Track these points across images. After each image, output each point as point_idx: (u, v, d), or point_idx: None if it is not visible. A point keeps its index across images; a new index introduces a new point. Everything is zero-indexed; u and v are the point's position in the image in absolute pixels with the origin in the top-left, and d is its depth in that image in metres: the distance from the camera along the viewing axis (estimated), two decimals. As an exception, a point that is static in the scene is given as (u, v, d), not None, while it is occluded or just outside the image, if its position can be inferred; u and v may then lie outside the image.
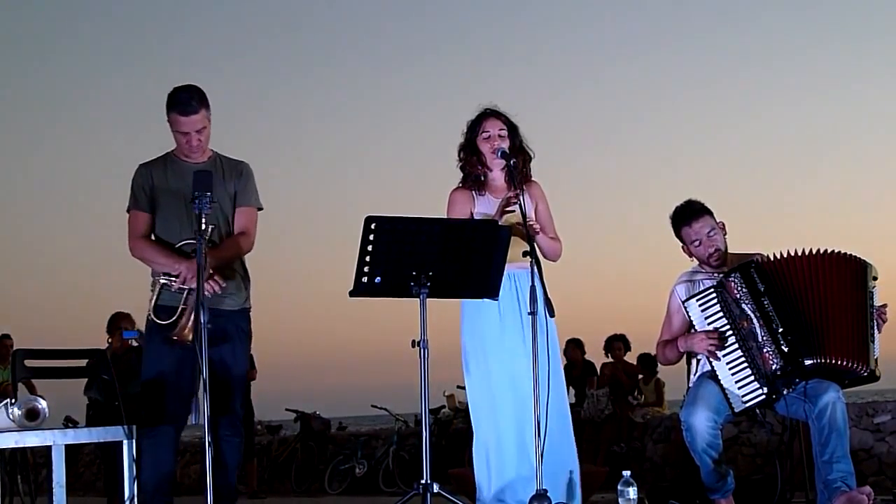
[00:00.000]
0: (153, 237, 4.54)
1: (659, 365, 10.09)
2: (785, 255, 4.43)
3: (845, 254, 4.43)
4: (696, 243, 4.63)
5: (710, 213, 4.67)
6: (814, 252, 4.40)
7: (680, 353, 4.67)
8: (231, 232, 4.54)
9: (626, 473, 4.22)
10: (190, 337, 4.21)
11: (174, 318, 4.33)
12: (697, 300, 4.49)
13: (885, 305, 4.47)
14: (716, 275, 4.58)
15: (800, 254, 4.41)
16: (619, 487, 4.20)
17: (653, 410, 9.96)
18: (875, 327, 4.40)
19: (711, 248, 4.61)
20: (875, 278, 4.46)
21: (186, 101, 4.37)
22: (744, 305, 4.37)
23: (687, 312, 4.53)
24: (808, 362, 4.29)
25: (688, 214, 4.66)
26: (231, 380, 4.46)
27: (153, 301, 4.43)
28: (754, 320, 4.35)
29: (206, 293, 4.26)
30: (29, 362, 5.31)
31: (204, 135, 4.45)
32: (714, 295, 4.44)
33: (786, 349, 4.30)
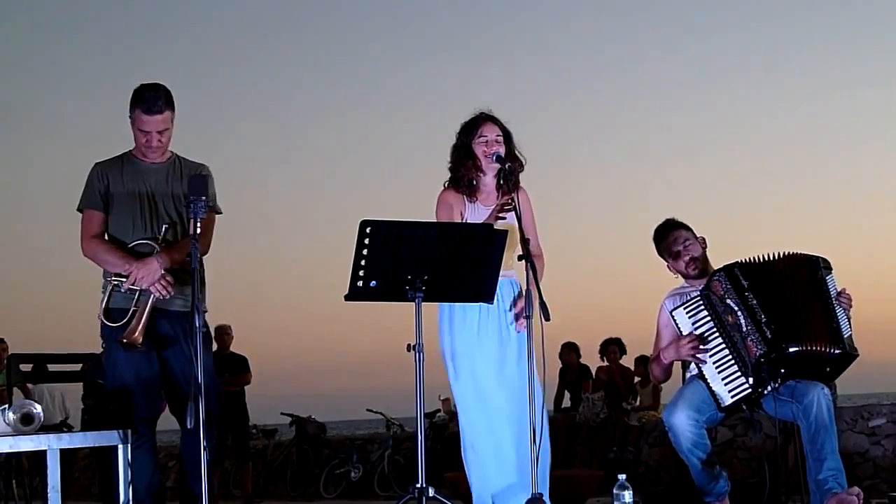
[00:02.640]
0: (106, 237, 4.46)
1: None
2: (760, 257, 4.59)
3: (797, 253, 4.63)
4: (675, 254, 4.80)
5: (686, 227, 4.86)
6: (779, 253, 4.58)
7: (666, 365, 4.79)
8: (187, 233, 4.40)
9: (622, 477, 4.23)
10: (140, 340, 4.17)
11: (126, 320, 4.26)
12: (685, 308, 4.63)
13: (844, 289, 4.61)
14: (700, 287, 4.68)
15: (772, 256, 4.57)
16: (614, 491, 4.20)
17: (648, 414, 9.96)
18: (839, 309, 4.53)
19: (687, 257, 4.78)
20: (828, 268, 4.63)
21: (153, 99, 4.29)
22: (728, 301, 4.49)
23: (675, 322, 4.65)
24: (791, 349, 4.39)
25: (663, 230, 4.87)
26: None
27: (103, 303, 4.34)
28: (738, 313, 4.46)
29: (157, 295, 4.25)
30: (24, 367, 5.31)
31: (165, 136, 4.38)
32: (700, 301, 4.58)
33: (769, 336, 4.39)
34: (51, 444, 4.24)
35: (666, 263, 4.86)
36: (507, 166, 4.56)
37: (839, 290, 4.60)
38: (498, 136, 4.68)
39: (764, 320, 4.41)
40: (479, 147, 4.69)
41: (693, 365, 4.66)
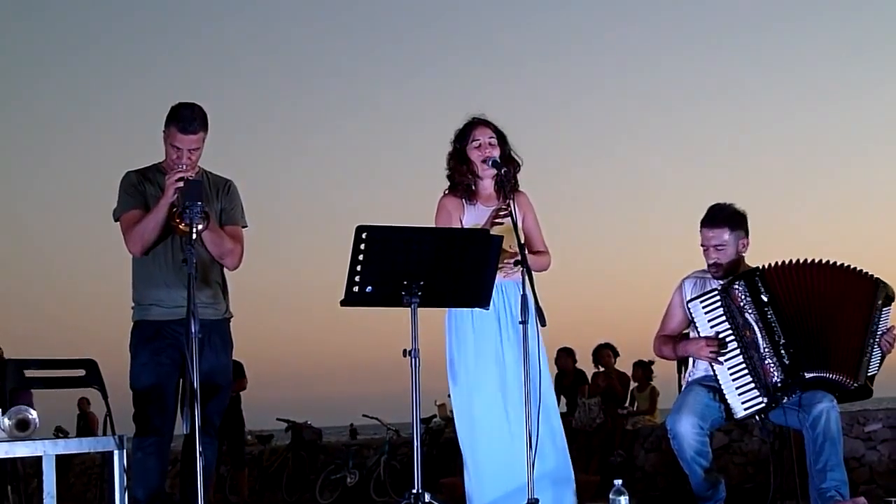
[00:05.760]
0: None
1: (654, 373, 10.11)
2: (792, 263, 4.43)
3: (858, 270, 4.45)
4: (703, 248, 4.63)
5: (731, 226, 4.58)
6: (824, 262, 4.43)
7: (679, 356, 4.69)
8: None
9: (618, 482, 4.22)
10: (184, 229, 4.15)
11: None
12: (701, 301, 4.50)
13: (893, 327, 4.46)
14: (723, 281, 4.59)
15: (808, 262, 4.42)
16: (610, 497, 4.19)
17: (644, 419, 9.96)
18: (875, 346, 4.42)
19: (710, 261, 4.61)
20: (889, 301, 4.45)
21: (189, 118, 4.38)
22: (747, 314, 4.38)
23: (690, 312, 4.54)
24: (808, 375, 4.32)
25: (709, 218, 4.62)
26: (212, 389, 4.44)
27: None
28: (756, 331, 4.36)
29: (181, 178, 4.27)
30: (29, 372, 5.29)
31: (195, 155, 4.45)
32: (718, 298, 4.46)
33: (787, 362, 4.32)
34: (46, 450, 4.23)
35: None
36: (503, 171, 4.56)
37: (889, 327, 4.45)
38: (491, 138, 4.68)
39: (782, 342, 4.32)
40: (472, 151, 4.69)
41: (692, 367, 4.64)
